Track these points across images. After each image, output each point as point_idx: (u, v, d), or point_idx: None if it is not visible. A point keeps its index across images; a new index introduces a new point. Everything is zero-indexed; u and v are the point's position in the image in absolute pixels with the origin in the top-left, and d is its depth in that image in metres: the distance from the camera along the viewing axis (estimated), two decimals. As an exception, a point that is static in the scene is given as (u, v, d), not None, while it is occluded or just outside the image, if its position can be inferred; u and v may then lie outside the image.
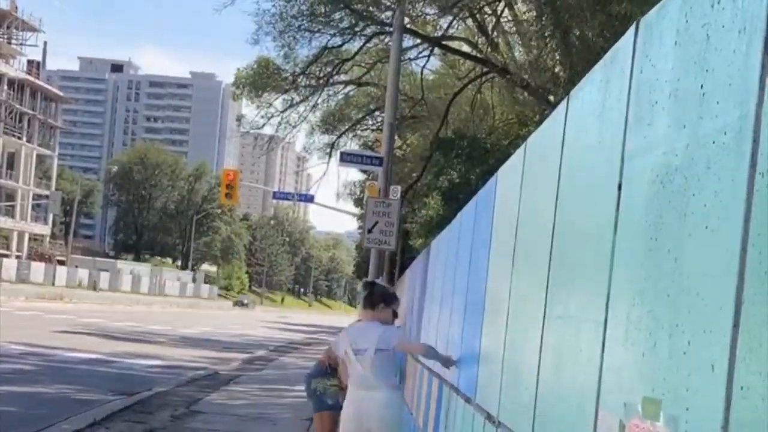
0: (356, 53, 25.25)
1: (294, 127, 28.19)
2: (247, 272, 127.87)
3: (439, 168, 20.62)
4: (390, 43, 20.22)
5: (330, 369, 7.36)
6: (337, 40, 23.74)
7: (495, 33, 20.55)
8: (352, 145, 30.84)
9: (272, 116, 27.56)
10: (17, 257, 76.09)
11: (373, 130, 30.72)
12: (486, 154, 18.70)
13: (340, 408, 6.81)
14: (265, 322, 55.01)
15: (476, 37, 22.38)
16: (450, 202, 18.42)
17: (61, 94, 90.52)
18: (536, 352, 2.91)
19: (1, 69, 74.48)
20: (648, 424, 1.78)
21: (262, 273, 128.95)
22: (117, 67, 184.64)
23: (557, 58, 16.71)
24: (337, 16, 22.36)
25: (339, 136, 29.92)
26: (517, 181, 3.77)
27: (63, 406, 10.84)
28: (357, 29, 22.80)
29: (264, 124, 28.23)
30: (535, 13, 17.21)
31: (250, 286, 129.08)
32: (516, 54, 21.46)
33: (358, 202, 33.97)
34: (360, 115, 30.30)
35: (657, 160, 1.90)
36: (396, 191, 20.65)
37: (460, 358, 5.14)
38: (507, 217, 3.97)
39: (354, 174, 34.62)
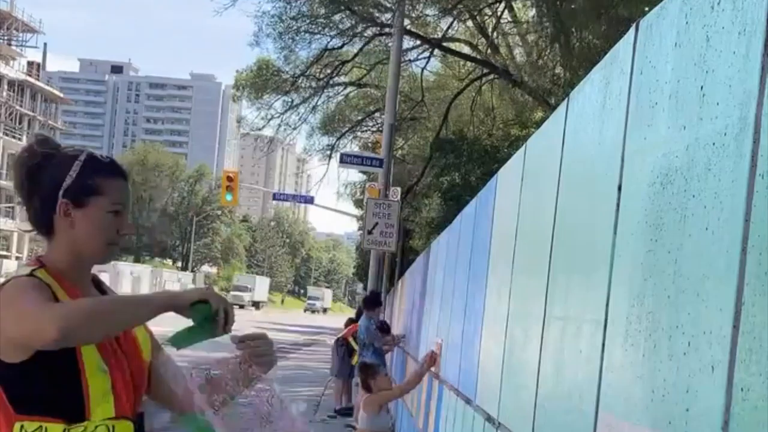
0: (356, 55, 25.26)
1: (294, 128, 28.20)
2: (247, 273, 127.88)
3: (439, 169, 20.60)
4: (390, 45, 20.23)
5: None
6: (337, 42, 23.75)
7: (495, 34, 20.53)
8: (352, 146, 30.86)
9: (272, 118, 27.59)
10: (17, 259, 76.08)
11: (373, 132, 30.71)
12: (486, 155, 18.69)
13: None
14: (268, 323, 55.00)
15: (476, 39, 22.38)
16: (450, 203, 18.41)
17: (61, 95, 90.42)
18: (536, 352, 2.91)
19: (1, 70, 74.47)
20: (647, 426, 1.78)
21: (262, 274, 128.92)
22: (117, 69, 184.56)
23: (557, 59, 16.72)
24: (337, 17, 22.37)
25: (339, 138, 29.92)
26: (517, 181, 3.77)
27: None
28: (357, 31, 22.80)
29: (264, 126, 28.28)
30: (535, 15, 17.21)
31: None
32: (516, 55, 21.47)
33: (358, 204, 33.95)
34: (360, 117, 30.30)
35: (657, 161, 1.89)
36: (396, 192, 20.67)
37: (461, 359, 5.13)
38: (507, 218, 3.97)
39: (354, 175, 34.61)
